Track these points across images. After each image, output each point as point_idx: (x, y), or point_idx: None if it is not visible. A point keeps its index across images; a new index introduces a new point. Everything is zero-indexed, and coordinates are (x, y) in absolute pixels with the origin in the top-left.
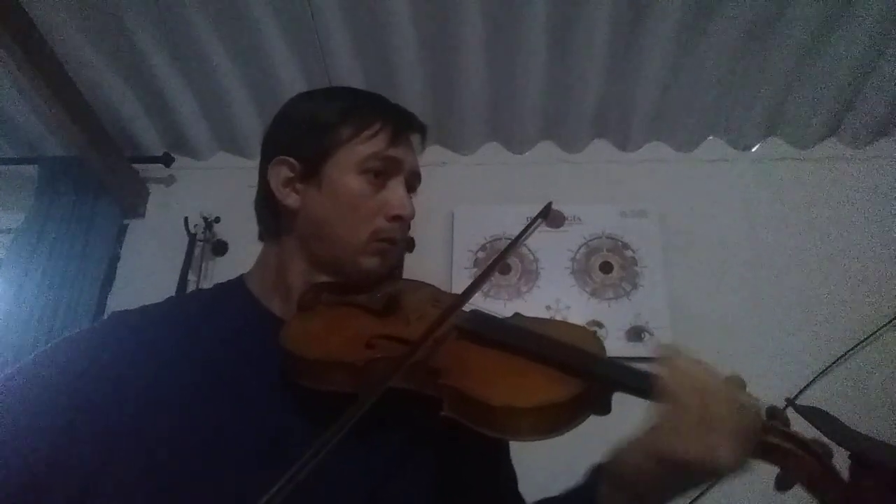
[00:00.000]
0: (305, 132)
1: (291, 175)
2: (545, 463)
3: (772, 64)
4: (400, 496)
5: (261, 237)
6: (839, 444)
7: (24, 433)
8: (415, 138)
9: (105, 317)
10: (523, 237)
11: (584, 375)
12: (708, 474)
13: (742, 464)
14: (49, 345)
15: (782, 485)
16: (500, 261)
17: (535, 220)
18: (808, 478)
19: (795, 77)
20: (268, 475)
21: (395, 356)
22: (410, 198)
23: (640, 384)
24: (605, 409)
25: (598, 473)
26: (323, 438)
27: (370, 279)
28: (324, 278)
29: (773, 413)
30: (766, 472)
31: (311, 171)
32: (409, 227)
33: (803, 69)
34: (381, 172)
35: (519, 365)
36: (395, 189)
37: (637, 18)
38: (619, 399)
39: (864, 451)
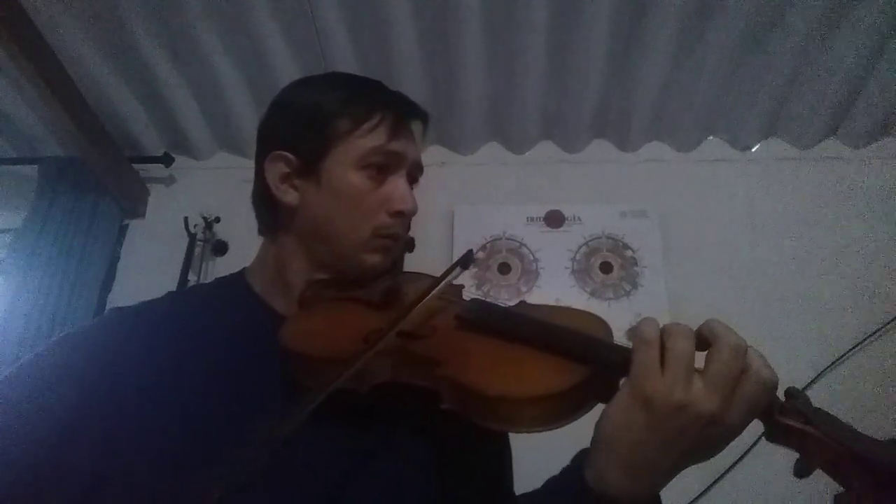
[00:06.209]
0: (303, 125)
1: (288, 171)
2: (552, 460)
3: (772, 64)
4: (389, 488)
5: (260, 231)
6: (839, 444)
7: (27, 433)
8: (416, 126)
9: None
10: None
11: (588, 361)
12: (695, 427)
13: (735, 427)
14: (48, 342)
15: (802, 471)
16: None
17: (454, 267)
18: (830, 462)
19: (795, 77)
20: (267, 470)
21: (390, 347)
22: (412, 190)
23: None
24: (612, 397)
25: (585, 452)
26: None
27: (372, 276)
28: (324, 276)
29: (792, 393)
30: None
31: (309, 166)
32: (410, 223)
33: (803, 69)
34: (382, 167)
35: (520, 353)
36: (397, 184)
37: (637, 19)
38: None
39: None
